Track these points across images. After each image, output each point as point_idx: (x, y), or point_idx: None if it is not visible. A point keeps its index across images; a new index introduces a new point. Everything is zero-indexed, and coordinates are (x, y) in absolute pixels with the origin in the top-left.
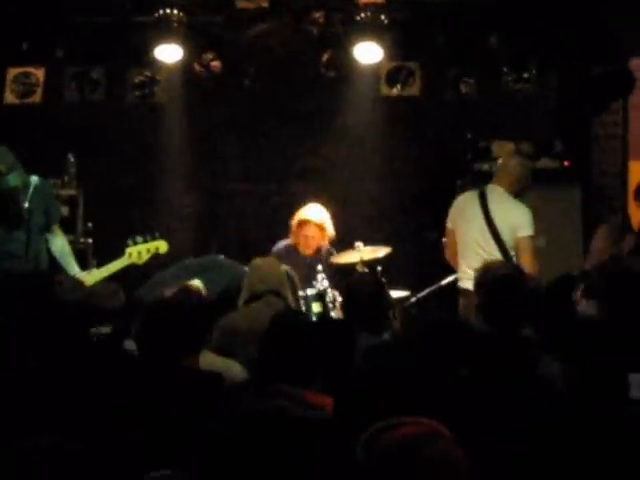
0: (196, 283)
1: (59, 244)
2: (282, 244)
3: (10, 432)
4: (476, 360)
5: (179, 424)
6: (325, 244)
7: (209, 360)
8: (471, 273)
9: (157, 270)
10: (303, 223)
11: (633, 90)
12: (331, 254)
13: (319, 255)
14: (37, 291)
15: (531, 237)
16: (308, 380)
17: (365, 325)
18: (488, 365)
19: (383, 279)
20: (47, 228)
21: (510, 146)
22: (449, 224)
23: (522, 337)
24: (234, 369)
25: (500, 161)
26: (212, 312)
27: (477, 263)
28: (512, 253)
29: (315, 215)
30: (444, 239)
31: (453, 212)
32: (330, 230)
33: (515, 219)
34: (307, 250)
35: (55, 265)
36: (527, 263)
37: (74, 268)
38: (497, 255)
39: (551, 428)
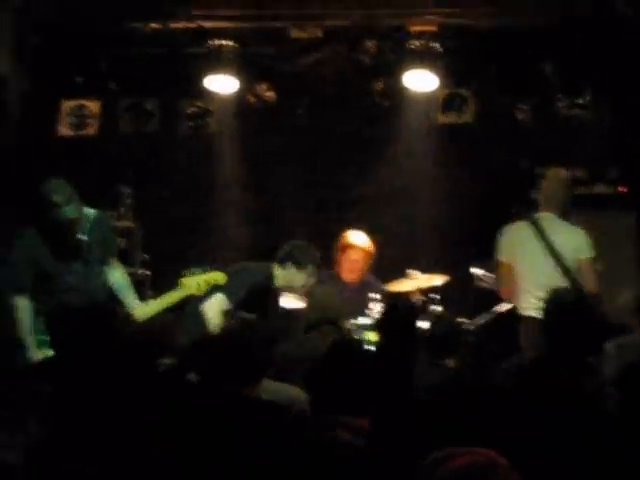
0: (218, 298)
1: (117, 276)
2: (325, 273)
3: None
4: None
5: (242, 453)
6: (368, 274)
7: (271, 388)
8: (536, 302)
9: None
10: (348, 247)
11: None
12: (377, 285)
13: (363, 284)
14: (98, 325)
15: (592, 259)
16: (364, 409)
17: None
18: (550, 391)
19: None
20: (105, 261)
21: (563, 173)
22: (503, 258)
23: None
24: (295, 394)
25: (543, 187)
26: (271, 342)
27: (543, 292)
28: (576, 277)
29: (360, 239)
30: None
31: (507, 245)
32: (372, 251)
33: (575, 243)
34: (352, 275)
35: (114, 298)
36: (591, 285)
37: (133, 300)
38: (563, 281)
39: (605, 455)
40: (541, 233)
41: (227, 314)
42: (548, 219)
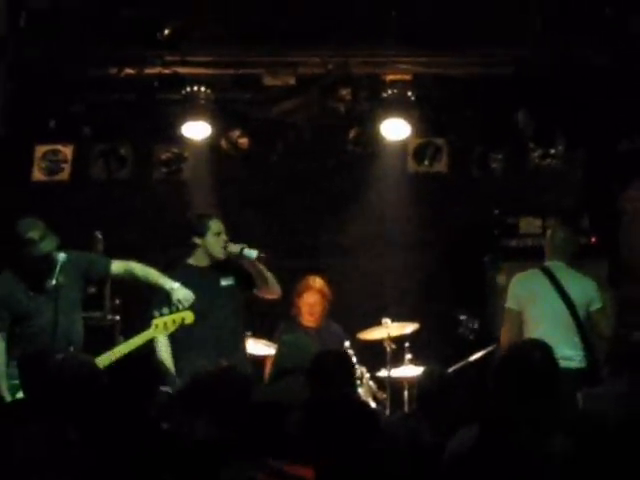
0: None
1: (137, 267)
2: (284, 325)
3: None
4: None
5: None
6: (325, 318)
7: None
8: None
9: None
10: (305, 291)
11: None
12: (337, 330)
13: (323, 329)
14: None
15: (603, 307)
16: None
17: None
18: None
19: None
20: (101, 280)
21: (536, 222)
22: (513, 306)
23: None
24: None
25: (549, 235)
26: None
27: (556, 339)
28: (586, 327)
29: (314, 282)
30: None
31: (519, 292)
32: (329, 293)
33: (590, 293)
34: (311, 318)
35: (89, 343)
36: (604, 331)
37: (166, 281)
38: (574, 331)
39: None
40: (555, 283)
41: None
42: (559, 268)
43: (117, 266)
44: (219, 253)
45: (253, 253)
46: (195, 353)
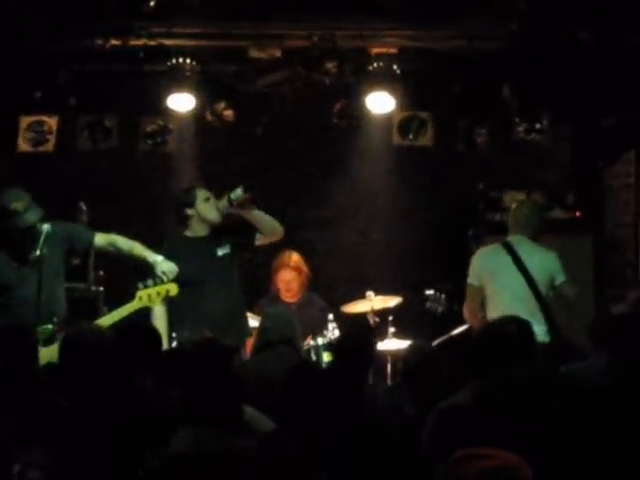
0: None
1: (121, 240)
2: (264, 300)
3: None
4: None
5: None
6: (304, 291)
7: (260, 421)
8: None
9: None
10: (280, 268)
11: None
12: (318, 302)
13: (303, 302)
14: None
15: (568, 280)
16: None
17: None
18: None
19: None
20: (84, 252)
21: (521, 197)
22: (474, 281)
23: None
24: (261, 420)
25: (513, 210)
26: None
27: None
28: (548, 301)
29: (289, 259)
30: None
31: (479, 268)
32: (305, 268)
33: (551, 268)
34: (288, 294)
35: (74, 312)
36: (573, 296)
37: (150, 254)
38: (533, 304)
39: None
40: (515, 257)
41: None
42: (521, 242)
43: (101, 238)
44: (214, 216)
45: (238, 191)
46: (192, 324)
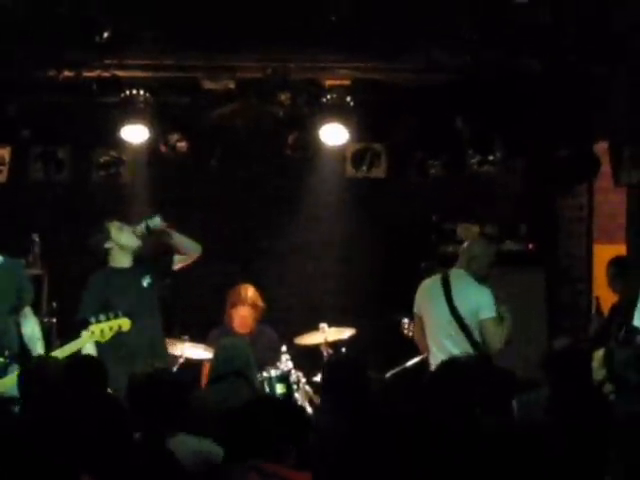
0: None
1: (29, 328)
2: (216, 331)
3: None
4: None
5: None
6: (257, 324)
7: (190, 443)
8: (441, 357)
9: None
10: (237, 303)
11: (598, 173)
12: (271, 334)
13: (256, 334)
14: None
15: (493, 318)
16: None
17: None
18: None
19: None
20: (17, 310)
21: (475, 229)
22: (415, 310)
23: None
24: (212, 450)
25: (464, 244)
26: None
27: (446, 346)
28: (476, 336)
29: (246, 295)
30: (405, 322)
31: (418, 298)
32: (261, 303)
33: (476, 302)
34: (242, 329)
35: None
36: (491, 343)
37: (41, 352)
38: (463, 339)
39: None
40: (447, 290)
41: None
42: (457, 276)
43: (28, 311)
44: (133, 242)
45: (157, 219)
46: (129, 356)
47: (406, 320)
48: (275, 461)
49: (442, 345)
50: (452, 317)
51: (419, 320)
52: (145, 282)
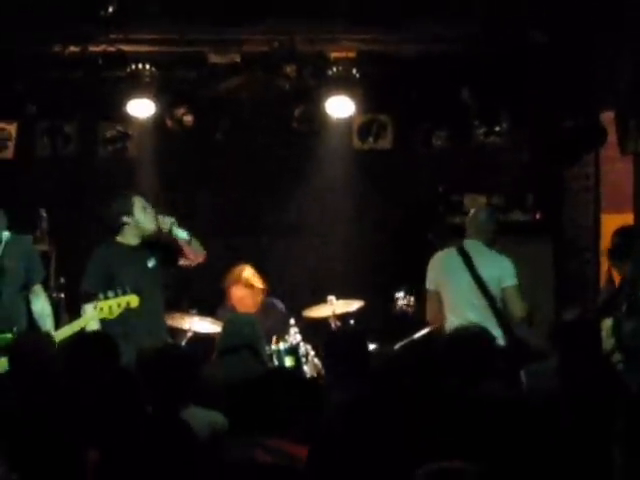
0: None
1: (39, 305)
2: (221, 310)
3: None
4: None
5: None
6: (262, 298)
7: (202, 415)
8: None
9: None
10: (231, 284)
11: (604, 143)
12: (278, 307)
13: (263, 310)
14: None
15: (516, 286)
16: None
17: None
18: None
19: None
20: (27, 287)
21: (481, 199)
22: (430, 286)
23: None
24: (219, 420)
25: (471, 215)
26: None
27: (469, 317)
28: (499, 305)
29: (241, 275)
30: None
31: (433, 273)
32: (258, 284)
33: (499, 270)
34: (243, 309)
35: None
36: (517, 312)
37: (51, 329)
38: (486, 308)
39: None
40: (468, 262)
41: None
42: (475, 247)
43: (39, 288)
44: (152, 226)
45: (183, 234)
46: (130, 332)
47: (400, 294)
48: (280, 435)
49: (465, 316)
50: (476, 286)
51: (434, 295)
52: (150, 263)
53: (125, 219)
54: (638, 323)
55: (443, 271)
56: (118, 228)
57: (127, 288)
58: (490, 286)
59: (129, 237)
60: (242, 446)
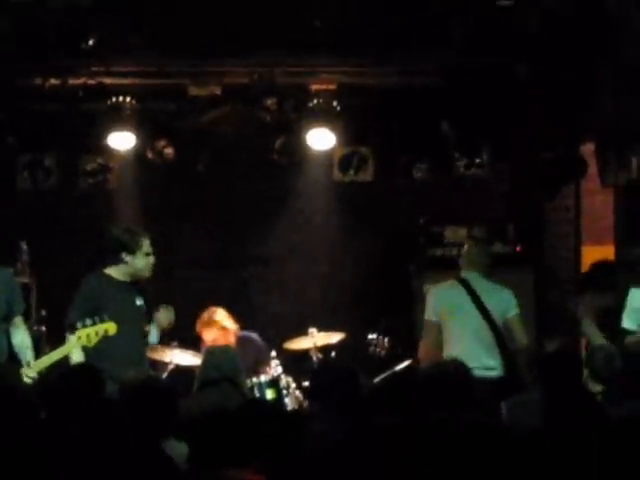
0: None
1: (19, 338)
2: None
3: None
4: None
5: None
6: (236, 336)
7: (173, 445)
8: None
9: None
10: (202, 328)
11: (585, 175)
12: (255, 341)
13: (242, 344)
14: None
15: (518, 314)
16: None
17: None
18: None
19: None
20: (7, 319)
21: (462, 231)
22: (432, 317)
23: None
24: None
25: (466, 248)
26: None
27: (474, 350)
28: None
29: (212, 319)
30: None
31: (437, 304)
32: (231, 325)
33: (504, 301)
34: None
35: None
36: (520, 339)
37: (31, 361)
38: (491, 339)
39: None
40: (472, 293)
41: None
42: (475, 278)
43: (19, 320)
44: (147, 274)
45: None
46: (118, 363)
47: (373, 336)
48: (245, 465)
49: (469, 347)
50: (481, 317)
51: (435, 327)
52: (138, 301)
53: (124, 257)
54: (607, 352)
55: (448, 303)
56: (113, 260)
57: (105, 316)
58: (494, 316)
59: (121, 273)
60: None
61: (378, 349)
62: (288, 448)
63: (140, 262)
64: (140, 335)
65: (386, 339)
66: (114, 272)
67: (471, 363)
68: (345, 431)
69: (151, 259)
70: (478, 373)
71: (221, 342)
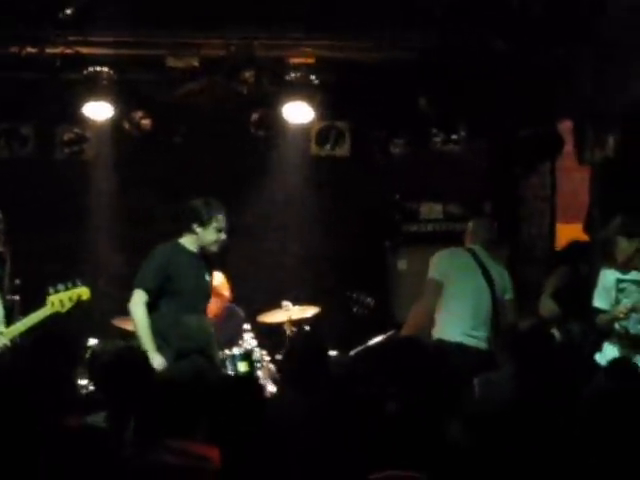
0: None
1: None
2: None
3: None
4: None
5: None
6: (225, 306)
7: None
8: (467, 330)
9: None
10: None
11: (561, 152)
12: (237, 313)
13: (223, 315)
14: None
15: (514, 299)
16: (190, 432)
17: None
18: None
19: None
20: None
21: (437, 207)
22: (438, 277)
23: None
24: None
25: (472, 223)
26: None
27: (471, 318)
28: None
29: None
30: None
31: (445, 265)
32: (226, 293)
33: (506, 281)
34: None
35: None
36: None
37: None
38: (490, 312)
39: None
40: (480, 264)
41: None
42: (483, 253)
43: None
44: (214, 250)
45: None
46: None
47: (354, 294)
48: (189, 436)
49: (463, 316)
50: (489, 289)
51: (437, 286)
52: (208, 277)
53: (195, 227)
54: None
55: (456, 265)
56: (183, 228)
57: (78, 281)
58: (497, 290)
59: (190, 243)
60: (147, 449)
61: (362, 309)
62: (246, 421)
63: (209, 236)
64: (205, 310)
65: (369, 298)
66: (186, 242)
67: (464, 329)
68: (308, 405)
69: (222, 235)
70: (467, 341)
71: (212, 307)
